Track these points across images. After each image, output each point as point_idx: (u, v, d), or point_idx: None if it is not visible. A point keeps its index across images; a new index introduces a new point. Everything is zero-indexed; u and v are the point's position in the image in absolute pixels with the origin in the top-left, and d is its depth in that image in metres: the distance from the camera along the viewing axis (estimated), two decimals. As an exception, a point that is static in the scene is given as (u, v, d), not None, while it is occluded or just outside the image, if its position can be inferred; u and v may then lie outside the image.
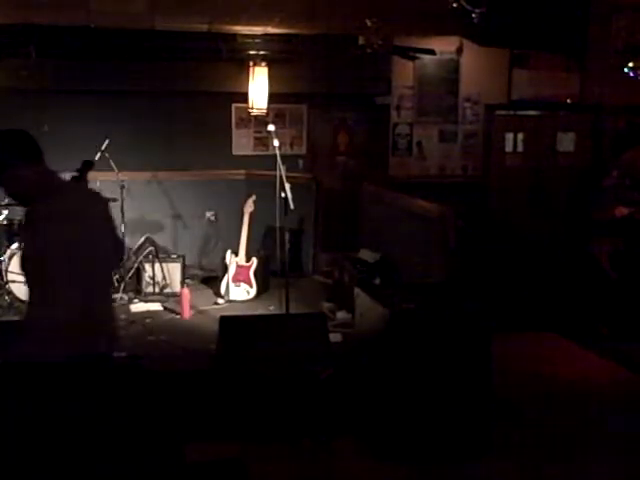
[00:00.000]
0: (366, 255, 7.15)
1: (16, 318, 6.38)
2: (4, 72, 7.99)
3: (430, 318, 4.52)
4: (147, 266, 7.43)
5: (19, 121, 7.97)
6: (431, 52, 8.84)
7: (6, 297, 6.85)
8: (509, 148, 9.53)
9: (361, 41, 8.09)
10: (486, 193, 9.44)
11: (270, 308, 6.95)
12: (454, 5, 6.16)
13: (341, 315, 6.52)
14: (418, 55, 8.82)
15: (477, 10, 6.05)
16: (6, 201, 7.25)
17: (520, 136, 9.52)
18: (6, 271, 6.80)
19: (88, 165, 3.30)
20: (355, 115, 9.24)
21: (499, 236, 8.30)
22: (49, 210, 2.98)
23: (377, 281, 6.63)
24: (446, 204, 6.51)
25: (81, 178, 3.25)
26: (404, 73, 9.08)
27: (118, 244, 3.55)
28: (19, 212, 7.17)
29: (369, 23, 7.02)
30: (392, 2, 6.63)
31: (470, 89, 9.29)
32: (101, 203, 3.29)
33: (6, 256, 6.87)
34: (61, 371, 2.99)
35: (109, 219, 3.28)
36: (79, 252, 2.99)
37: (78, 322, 3.02)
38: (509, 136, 9.50)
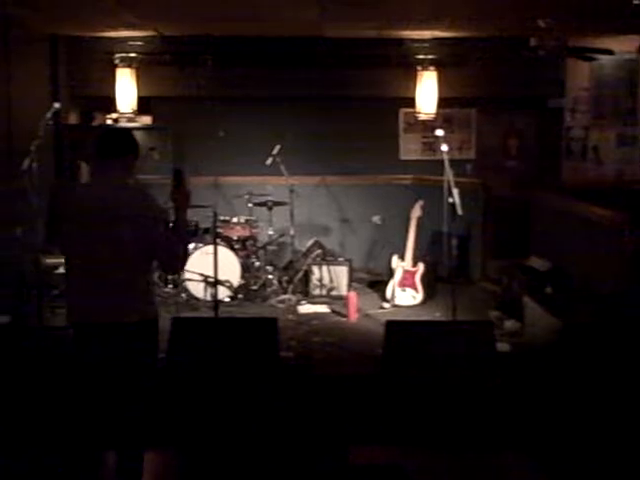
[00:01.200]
0: (537, 263, 6.93)
1: (191, 315, 6.70)
2: (184, 81, 8.43)
3: (607, 331, 4.31)
4: (315, 269, 7.58)
5: (197, 128, 8.47)
6: (609, 52, 8.41)
7: (182, 295, 7.20)
8: (696, 152, 8.91)
9: (533, 42, 7.85)
10: (668, 200, 8.88)
11: (436, 314, 6.88)
12: (636, 2, 5.86)
13: (509, 324, 6.34)
14: (594, 56, 8.44)
15: (660, 7, 5.72)
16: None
17: None
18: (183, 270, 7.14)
19: (178, 174, 3.59)
20: (526, 118, 8.99)
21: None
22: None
23: (548, 290, 6.40)
24: (623, 211, 6.19)
25: (179, 186, 3.54)
26: (579, 74, 8.71)
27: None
28: (198, 214, 7.55)
29: (542, 24, 6.79)
30: (567, 1, 6.39)
31: (652, 90, 8.78)
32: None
33: (183, 256, 7.21)
34: None
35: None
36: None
37: None
38: (695, 140, 8.89)
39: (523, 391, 4.75)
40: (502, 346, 5.56)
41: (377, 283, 8.01)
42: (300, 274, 7.63)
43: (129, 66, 8.33)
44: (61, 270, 6.93)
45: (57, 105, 6.16)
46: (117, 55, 8.32)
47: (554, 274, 6.67)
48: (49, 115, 6.06)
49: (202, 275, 7.01)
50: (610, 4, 6.27)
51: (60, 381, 4.70)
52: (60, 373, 4.79)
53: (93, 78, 8.55)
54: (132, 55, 8.35)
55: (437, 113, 8.54)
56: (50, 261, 6.92)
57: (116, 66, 8.32)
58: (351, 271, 7.73)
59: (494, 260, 8.10)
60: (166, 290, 7.39)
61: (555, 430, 4.34)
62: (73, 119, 8.79)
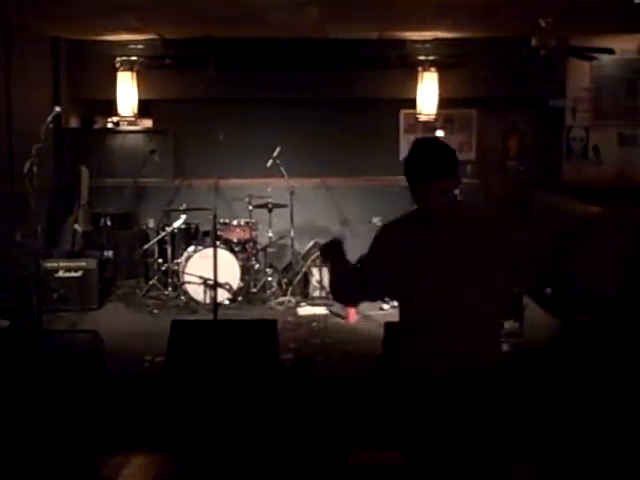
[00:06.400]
0: (536, 263, 6.90)
1: (191, 318, 6.70)
2: (185, 84, 8.45)
3: (606, 331, 4.30)
4: (315, 270, 7.56)
5: (198, 130, 8.47)
6: (610, 52, 8.40)
7: (182, 297, 7.21)
8: (697, 152, 8.87)
9: (534, 42, 7.85)
10: (670, 200, 8.85)
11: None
12: (637, 1, 5.85)
13: (508, 324, 6.33)
14: (596, 55, 8.43)
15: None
16: (184, 206, 7.65)
17: None
18: (183, 272, 7.15)
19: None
20: (527, 119, 8.96)
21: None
22: None
23: (548, 290, 6.39)
24: (624, 210, 6.17)
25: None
26: (580, 74, 8.71)
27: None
28: (198, 216, 7.55)
29: (543, 24, 6.78)
30: (568, 1, 6.38)
31: (654, 89, 8.76)
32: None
33: (183, 258, 7.23)
34: None
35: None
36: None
37: None
38: (696, 139, 8.86)
39: (522, 392, 4.73)
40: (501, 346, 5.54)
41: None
42: (300, 276, 7.62)
43: (130, 69, 8.36)
44: (61, 274, 6.94)
45: (58, 109, 6.16)
46: (118, 58, 8.35)
47: (554, 274, 6.65)
48: (50, 118, 6.05)
49: (202, 278, 7.01)
50: (610, 4, 6.27)
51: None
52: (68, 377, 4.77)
53: (94, 81, 8.57)
54: (133, 58, 8.38)
55: (438, 114, 8.53)
56: (50, 265, 6.93)
57: (117, 69, 8.35)
58: (352, 272, 7.71)
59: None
60: (166, 293, 7.41)
61: (554, 431, 4.32)
62: (74, 122, 8.82)
